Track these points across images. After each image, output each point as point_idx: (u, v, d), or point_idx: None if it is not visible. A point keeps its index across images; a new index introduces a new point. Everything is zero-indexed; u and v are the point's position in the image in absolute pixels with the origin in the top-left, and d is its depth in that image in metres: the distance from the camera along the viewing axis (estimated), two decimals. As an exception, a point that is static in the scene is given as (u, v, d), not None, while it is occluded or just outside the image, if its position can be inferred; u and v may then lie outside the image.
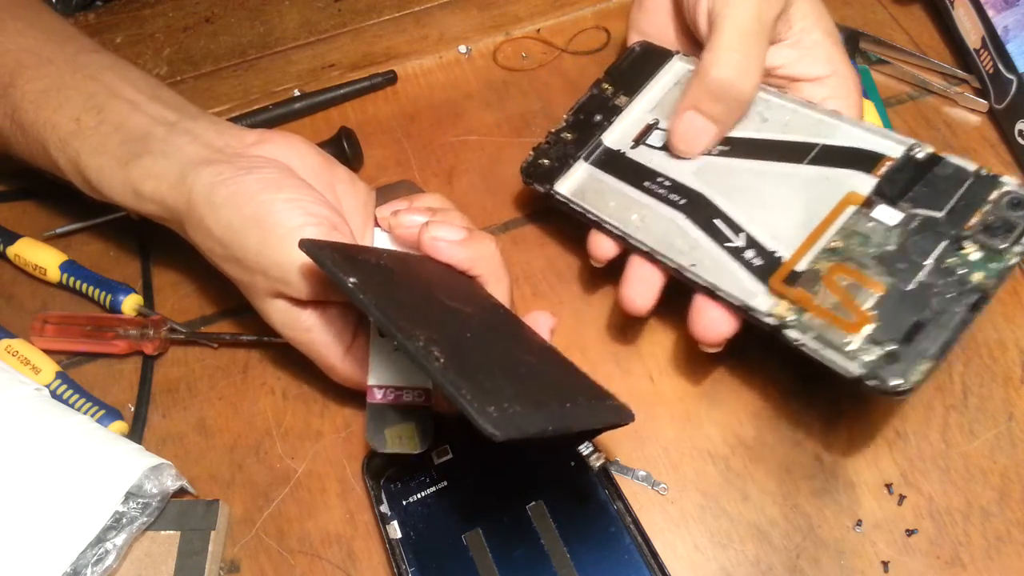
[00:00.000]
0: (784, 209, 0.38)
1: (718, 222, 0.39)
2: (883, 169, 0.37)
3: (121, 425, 0.43)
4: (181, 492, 0.41)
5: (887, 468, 0.39)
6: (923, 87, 0.50)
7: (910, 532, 0.37)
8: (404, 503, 0.39)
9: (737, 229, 0.38)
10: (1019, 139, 0.46)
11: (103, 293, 0.47)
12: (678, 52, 0.46)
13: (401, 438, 0.37)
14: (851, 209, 0.36)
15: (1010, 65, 0.46)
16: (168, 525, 0.39)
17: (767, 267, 0.36)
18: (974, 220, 0.34)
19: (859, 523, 0.38)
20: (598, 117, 0.46)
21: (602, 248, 0.41)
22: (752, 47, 0.39)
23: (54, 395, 0.44)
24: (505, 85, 0.55)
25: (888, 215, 0.35)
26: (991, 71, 0.48)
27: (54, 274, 0.48)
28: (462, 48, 0.57)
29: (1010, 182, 0.34)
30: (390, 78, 0.56)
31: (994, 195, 0.34)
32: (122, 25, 0.59)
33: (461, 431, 0.37)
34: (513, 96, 0.54)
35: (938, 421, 0.40)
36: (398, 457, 0.39)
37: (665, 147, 0.42)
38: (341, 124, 0.53)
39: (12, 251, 0.49)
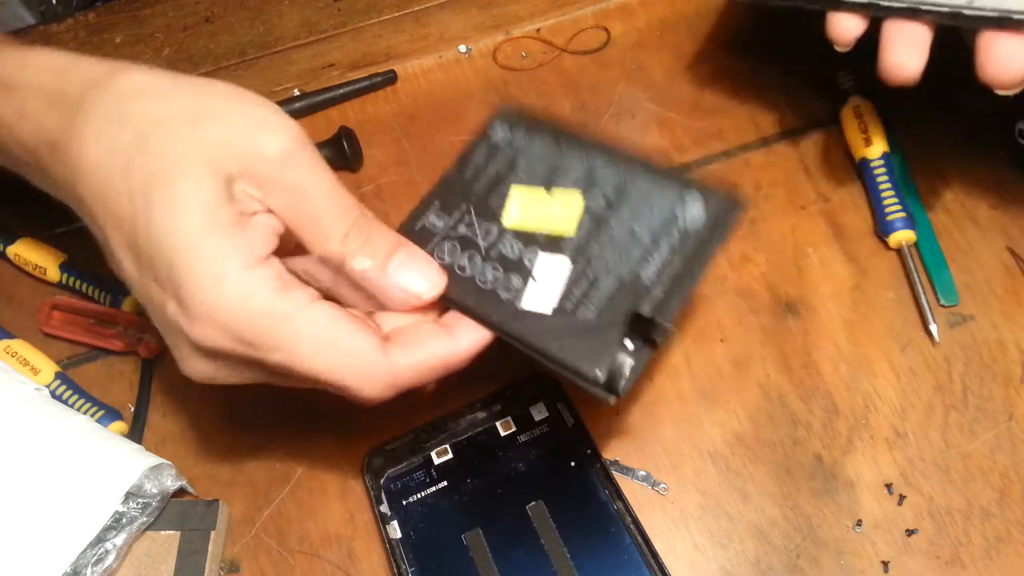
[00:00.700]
0: None
1: None
2: None
3: (121, 425, 0.43)
4: (181, 492, 0.41)
5: (887, 468, 0.39)
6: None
7: (910, 532, 0.37)
8: (404, 503, 0.39)
9: None
10: (1019, 139, 0.46)
11: (103, 293, 0.47)
12: None
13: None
14: None
15: (1010, 65, 0.46)
16: (168, 525, 0.39)
17: None
18: None
19: (859, 523, 0.38)
20: None
21: (846, 27, 0.35)
22: None
23: (54, 395, 0.44)
24: (505, 85, 0.55)
25: None
26: (991, 71, 0.48)
27: (54, 274, 0.48)
28: (462, 48, 0.57)
29: None
30: (390, 78, 0.56)
31: None
32: (122, 25, 0.59)
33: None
34: (513, 96, 0.54)
35: (938, 421, 0.40)
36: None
37: None
38: (341, 124, 0.53)
39: (12, 251, 0.49)
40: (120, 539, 0.37)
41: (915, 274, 0.43)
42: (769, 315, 0.43)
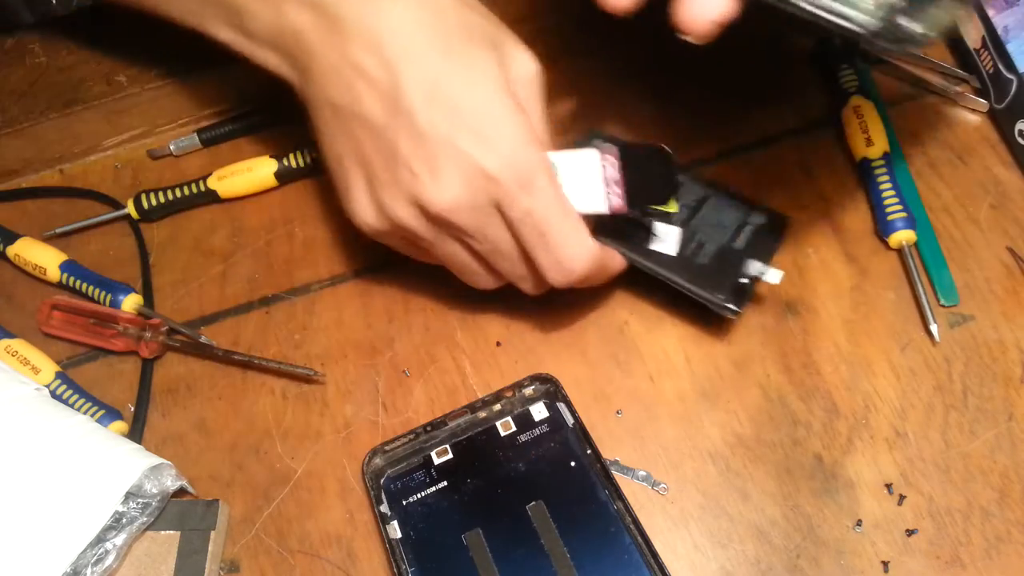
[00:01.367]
0: None
1: None
2: None
3: (121, 425, 0.43)
4: (181, 492, 0.41)
5: (887, 468, 0.39)
6: (923, 87, 0.50)
7: (910, 532, 0.37)
8: (404, 503, 0.39)
9: None
10: (1019, 139, 0.46)
11: (103, 293, 0.47)
12: None
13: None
14: None
15: (1010, 65, 0.46)
16: (168, 525, 0.39)
17: None
18: None
19: (859, 523, 0.38)
20: None
21: None
22: None
23: (54, 395, 0.44)
24: (505, 85, 0.55)
25: None
26: (991, 71, 0.48)
27: (54, 274, 0.48)
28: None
29: None
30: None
31: None
32: (122, 24, 0.59)
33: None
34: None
35: (938, 421, 0.40)
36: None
37: None
38: (341, 124, 0.53)
39: (12, 251, 0.49)
40: (120, 539, 0.37)
41: (915, 274, 0.43)
42: (769, 315, 0.43)
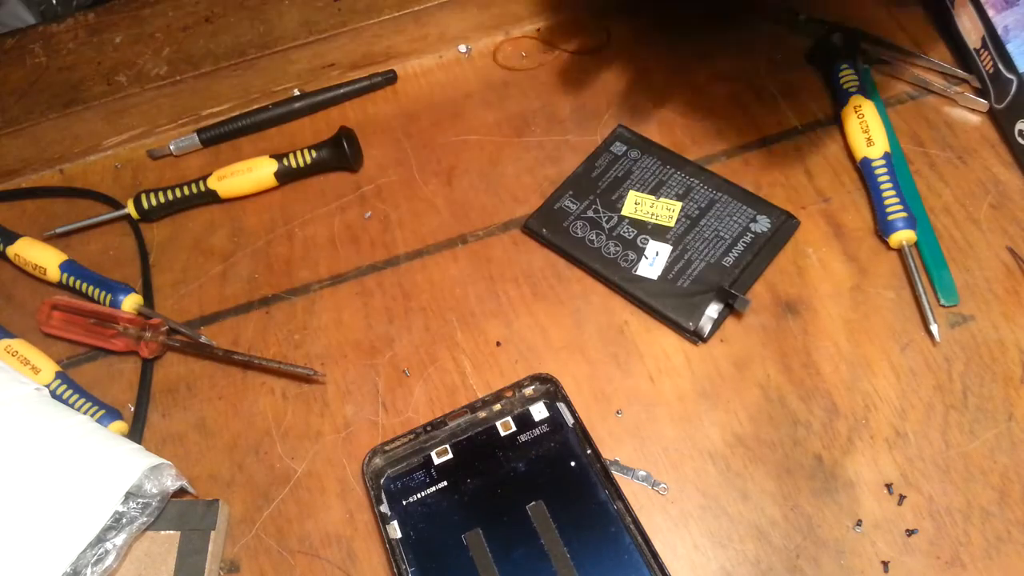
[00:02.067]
0: None
1: None
2: None
3: (121, 425, 0.43)
4: (181, 492, 0.41)
5: (887, 468, 0.39)
6: (923, 87, 0.50)
7: (910, 532, 0.37)
8: (404, 503, 0.39)
9: None
10: (1019, 139, 0.46)
11: (103, 293, 0.47)
12: None
13: None
14: None
15: (1010, 65, 0.46)
16: (168, 525, 0.39)
17: None
18: None
19: (859, 523, 0.38)
20: None
21: None
22: None
23: (54, 395, 0.44)
24: (505, 85, 0.55)
25: None
26: (991, 71, 0.48)
27: (54, 274, 0.48)
28: (462, 47, 0.57)
29: None
30: (390, 78, 0.56)
31: None
32: (122, 24, 0.59)
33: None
34: (513, 96, 0.54)
35: (938, 421, 0.40)
36: None
37: None
38: (341, 124, 0.53)
39: (12, 251, 0.49)
40: (120, 539, 0.37)
41: (915, 274, 0.43)
42: (769, 315, 0.43)
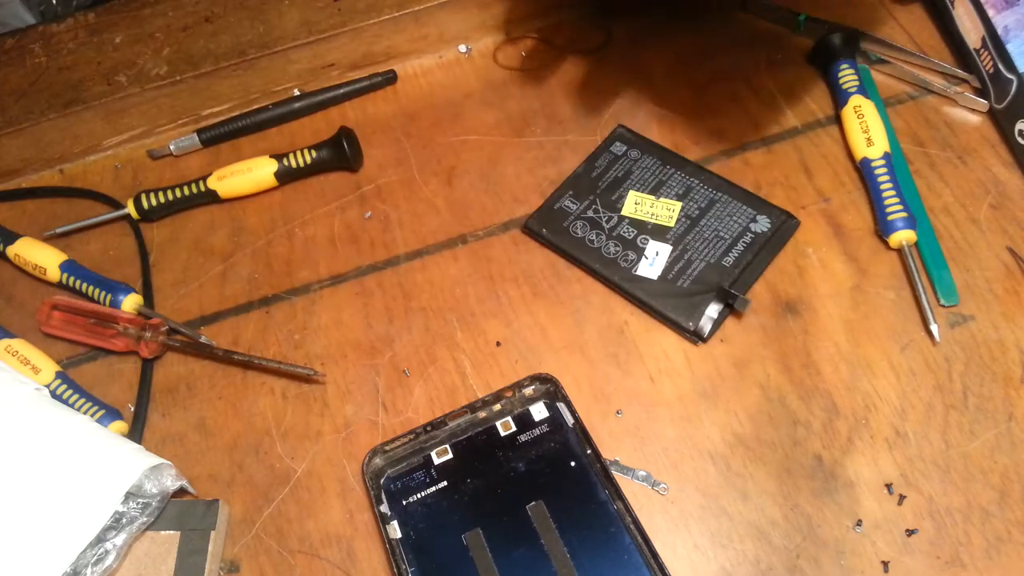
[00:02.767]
0: None
1: None
2: None
3: (121, 425, 0.43)
4: (181, 492, 0.41)
5: (887, 468, 0.39)
6: (923, 87, 0.50)
7: (910, 532, 0.37)
8: (404, 503, 0.39)
9: None
10: (1019, 139, 0.46)
11: (103, 293, 0.47)
12: None
13: None
14: None
15: (1010, 65, 0.46)
16: (168, 525, 0.39)
17: None
18: None
19: (859, 523, 0.37)
20: None
21: None
22: None
23: (54, 395, 0.44)
24: (505, 85, 0.55)
25: None
26: (991, 71, 0.48)
27: (54, 274, 0.48)
28: (462, 47, 0.57)
29: None
30: (390, 78, 0.56)
31: None
32: (122, 25, 0.59)
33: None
34: (513, 96, 0.54)
35: (938, 421, 0.40)
36: None
37: None
38: (341, 124, 0.53)
39: (12, 251, 0.49)
40: (120, 539, 0.37)
41: (915, 274, 0.43)
42: (769, 315, 0.43)
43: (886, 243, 0.44)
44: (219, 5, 0.60)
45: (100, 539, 0.37)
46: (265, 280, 0.49)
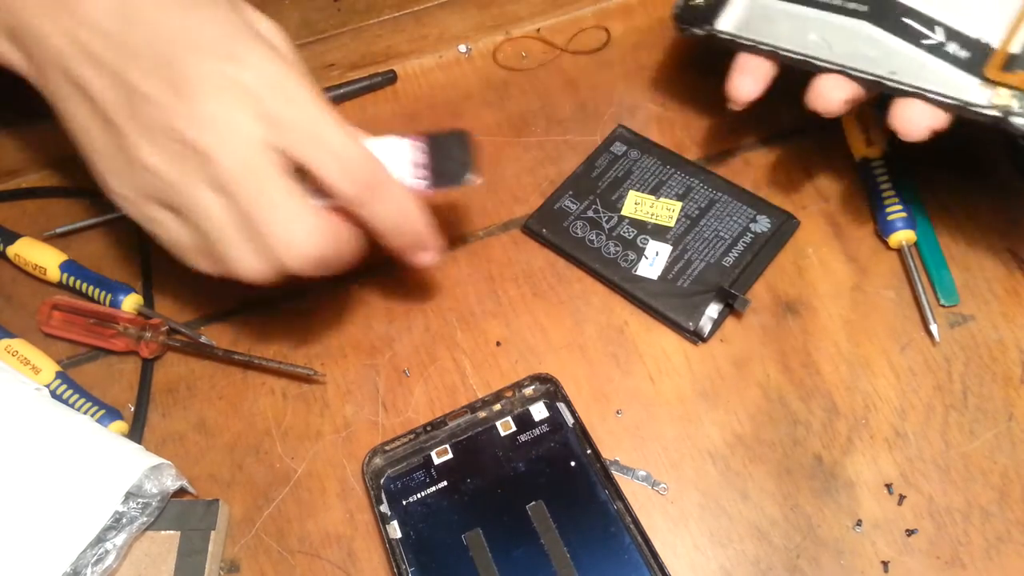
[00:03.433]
0: None
1: (909, 20, 0.37)
2: None
3: (121, 425, 0.43)
4: (181, 492, 0.41)
5: (887, 468, 0.39)
6: (923, 87, 0.50)
7: (910, 532, 0.37)
8: (404, 503, 0.39)
9: (932, 24, 0.36)
10: (1019, 139, 0.46)
11: (103, 293, 0.47)
12: None
13: None
14: None
15: (1010, 65, 0.46)
16: (168, 525, 0.39)
17: (976, 57, 0.35)
18: None
19: (859, 523, 0.38)
20: None
21: (754, 79, 0.41)
22: None
23: (54, 395, 0.44)
24: (505, 85, 0.55)
25: None
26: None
27: (54, 274, 0.48)
28: (462, 47, 0.57)
29: None
30: (390, 78, 0.56)
31: None
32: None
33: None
34: (513, 96, 0.54)
35: (938, 421, 0.40)
36: None
37: None
38: (341, 124, 0.53)
39: (12, 251, 0.49)
40: (120, 539, 0.37)
41: (915, 274, 0.43)
42: (769, 315, 0.43)
43: (886, 243, 0.44)
44: (219, 5, 0.60)
45: (100, 539, 0.37)
46: (265, 280, 0.49)
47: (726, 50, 0.43)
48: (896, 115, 0.36)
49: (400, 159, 0.39)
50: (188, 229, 0.36)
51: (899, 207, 0.44)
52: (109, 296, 0.47)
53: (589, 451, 0.39)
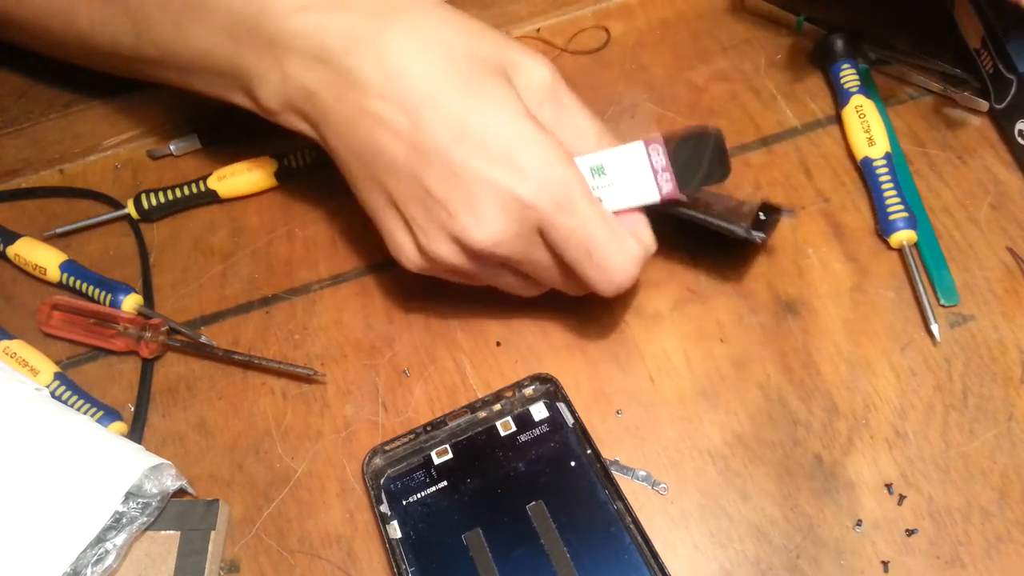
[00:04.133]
0: None
1: None
2: None
3: (121, 425, 0.43)
4: (181, 492, 0.41)
5: (887, 468, 0.39)
6: (923, 87, 0.50)
7: (910, 532, 0.37)
8: (404, 503, 0.39)
9: None
10: (1019, 139, 0.46)
11: (103, 293, 0.47)
12: None
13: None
14: None
15: (1010, 65, 0.46)
16: (168, 525, 0.39)
17: None
18: None
19: (859, 523, 0.38)
20: None
21: None
22: None
23: (54, 396, 0.44)
24: (505, 85, 0.55)
25: None
26: (991, 71, 0.48)
27: (54, 274, 0.48)
28: (462, 48, 0.57)
29: None
30: (390, 78, 0.56)
31: None
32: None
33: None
34: (513, 96, 0.54)
35: (938, 421, 0.40)
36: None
37: None
38: (341, 124, 0.53)
39: (12, 251, 0.49)
40: (120, 539, 0.37)
41: (915, 274, 0.43)
42: (769, 315, 0.43)
43: (886, 243, 0.44)
44: (219, 5, 0.60)
45: (100, 539, 0.37)
46: (265, 280, 0.49)
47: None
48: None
49: (639, 166, 0.38)
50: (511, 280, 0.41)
51: (901, 207, 0.44)
52: (109, 296, 0.47)
53: (589, 451, 0.39)
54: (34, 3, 0.45)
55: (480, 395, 0.42)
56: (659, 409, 0.42)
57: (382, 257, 0.48)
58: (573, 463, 0.39)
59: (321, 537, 0.40)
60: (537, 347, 0.44)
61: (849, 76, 0.49)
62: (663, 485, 0.39)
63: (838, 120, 0.49)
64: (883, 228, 0.44)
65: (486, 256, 0.37)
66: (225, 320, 0.47)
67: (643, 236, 0.38)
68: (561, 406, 0.41)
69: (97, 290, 0.47)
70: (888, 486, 0.38)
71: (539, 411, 0.41)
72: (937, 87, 0.50)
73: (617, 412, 0.42)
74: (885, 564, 0.37)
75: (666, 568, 0.35)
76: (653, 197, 0.38)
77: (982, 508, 0.37)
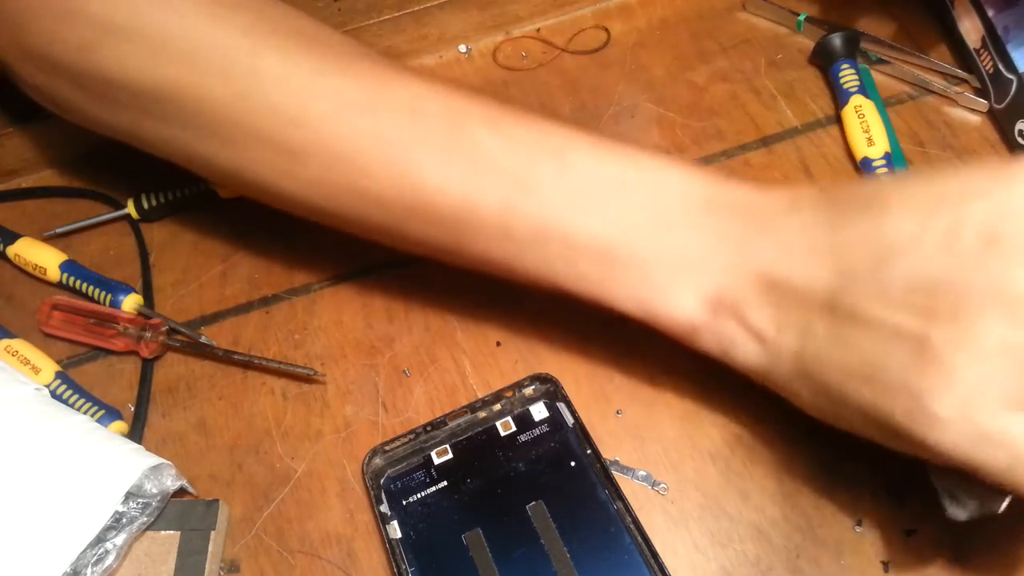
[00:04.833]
0: None
1: None
2: None
3: (121, 425, 0.43)
4: (181, 492, 0.41)
5: (887, 468, 0.39)
6: (923, 87, 0.50)
7: (910, 532, 0.37)
8: (404, 503, 0.39)
9: None
10: (1019, 139, 0.46)
11: (103, 293, 0.47)
12: None
13: None
14: None
15: (1010, 65, 0.46)
16: (168, 525, 0.39)
17: None
18: None
19: (859, 523, 0.38)
20: None
21: None
22: None
23: (54, 395, 0.44)
24: (505, 85, 0.55)
25: None
26: (991, 71, 0.48)
27: (54, 274, 0.48)
28: (462, 47, 0.57)
29: None
30: (390, 78, 0.56)
31: None
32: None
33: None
34: (513, 96, 0.54)
35: (938, 421, 0.40)
36: None
37: None
38: (341, 124, 0.53)
39: (12, 251, 0.49)
40: (120, 539, 0.37)
41: (915, 274, 0.43)
42: (769, 315, 0.43)
43: (886, 243, 0.44)
44: (219, 5, 0.60)
45: (100, 539, 0.37)
46: (265, 280, 0.49)
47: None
48: None
49: None
50: None
51: (899, 207, 0.44)
52: (109, 296, 0.47)
53: (589, 451, 0.39)
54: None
55: (480, 395, 0.42)
56: (659, 409, 0.42)
57: (382, 257, 0.48)
58: (573, 463, 0.39)
59: (321, 537, 0.40)
60: (537, 347, 0.44)
61: (849, 76, 0.49)
62: (663, 485, 0.39)
63: (838, 120, 0.49)
64: (883, 228, 0.44)
65: None
66: (225, 320, 0.47)
67: None
68: (561, 406, 0.41)
69: (97, 290, 0.47)
70: (888, 486, 0.38)
71: (539, 411, 0.41)
72: (937, 87, 0.50)
73: (617, 412, 0.42)
74: (885, 564, 0.36)
75: (666, 568, 0.35)
76: None
77: (982, 508, 0.37)
